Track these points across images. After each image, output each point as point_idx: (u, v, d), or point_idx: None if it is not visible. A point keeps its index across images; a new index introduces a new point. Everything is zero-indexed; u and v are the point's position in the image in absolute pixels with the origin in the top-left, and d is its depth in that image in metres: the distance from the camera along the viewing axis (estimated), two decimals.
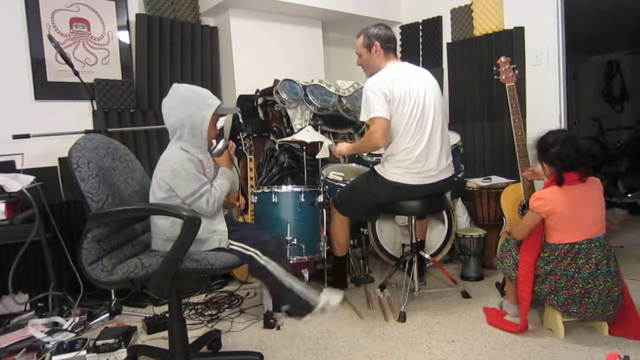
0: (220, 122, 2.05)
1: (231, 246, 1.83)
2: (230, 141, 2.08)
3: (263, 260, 1.81)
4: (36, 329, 2.20)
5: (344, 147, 2.68)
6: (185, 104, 1.81)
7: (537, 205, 2.05)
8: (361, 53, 2.55)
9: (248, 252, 1.82)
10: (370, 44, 2.49)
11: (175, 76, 3.31)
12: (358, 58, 2.60)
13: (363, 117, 2.41)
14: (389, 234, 3.32)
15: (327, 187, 2.89)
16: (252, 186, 3.01)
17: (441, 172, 2.43)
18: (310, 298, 1.90)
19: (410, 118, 2.33)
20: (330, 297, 1.97)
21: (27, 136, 2.62)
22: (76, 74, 2.69)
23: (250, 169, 3.08)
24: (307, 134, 3.11)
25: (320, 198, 2.76)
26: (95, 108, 3.01)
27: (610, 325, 2.05)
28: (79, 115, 2.99)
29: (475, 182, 3.17)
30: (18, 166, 2.64)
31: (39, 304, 2.47)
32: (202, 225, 1.76)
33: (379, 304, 2.56)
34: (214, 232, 1.82)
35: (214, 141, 1.96)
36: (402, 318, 2.34)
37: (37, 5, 2.82)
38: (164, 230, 1.77)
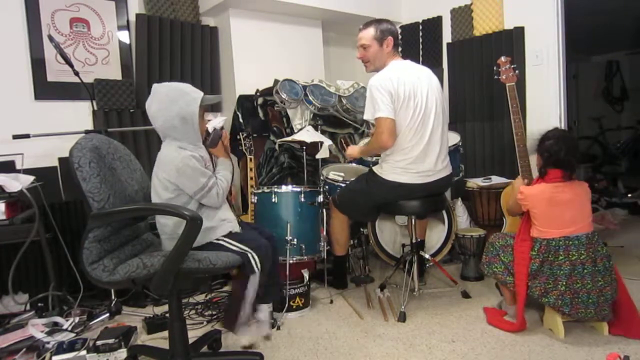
0: (220, 122, 2.05)
1: (232, 246, 1.84)
2: (223, 130, 2.06)
3: (256, 266, 1.83)
4: (36, 329, 2.20)
5: (354, 150, 2.64)
6: (171, 103, 1.81)
7: (519, 197, 2.17)
8: (370, 45, 2.45)
9: (246, 254, 1.83)
10: (383, 37, 2.43)
11: (175, 76, 3.31)
12: (362, 50, 2.49)
13: (367, 116, 2.37)
14: (389, 234, 3.32)
15: (327, 187, 2.89)
16: (252, 186, 3.01)
17: (438, 172, 2.43)
18: (240, 327, 2.01)
19: (412, 119, 2.32)
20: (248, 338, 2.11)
21: (27, 136, 2.62)
22: (76, 74, 2.69)
23: (250, 169, 3.08)
24: (307, 134, 3.11)
25: (320, 198, 2.76)
26: (95, 108, 3.01)
27: (611, 324, 2.06)
28: (79, 115, 2.99)
29: (475, 182, 3.17)
30: (18, 166, 2.64)
31: (39, 304, 2.46)
32: (212, 215, 1.85)
33: (379, 304, 2.57)
34: (225, 220, 1.88)
35: (205, 133, 1.98)
36: (402, 318, 2.34)
37: (37, 5, 2.82)
38: (170, 227, 1.79)
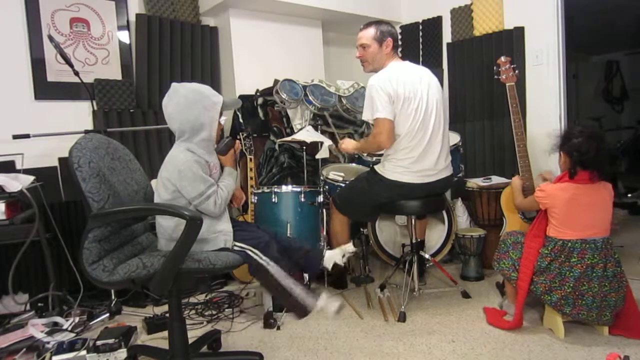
0: (222, 120, 2.04)
1: (234, 246, 1.83)
2: (237, 140, 2.05)
3: (263, 260, 1.81)
4: (36, 329, 2.20)
5: (350, 144, 2.62)
6: (190, 106, 1.77)
7: (538, 195, 2.12)
8: (370, 45, 2.45)
9: (250, 253, 1.82)
10: (383, 39, 2.44)
11: (175, 76, 3.31)
12: (362, 50, 2.50)
13: (366, 116, 2.37)
14: (389, 234, 3.32)
15: (327, 187, 2.89)
16: (252, 186, 3.01)
17: (440, 172, 2.43)
18: (308, 303, 1.88)
19: (414, 118, 2.32)
20: (328, 303, 1.93)
21: (27, 136, 2.62)
22: (76, 74, 2.70)
23: (250, 169, 3.08)
24: (307, 134, 3.11)
25: (320, 198, 2.76)
26: (95, 108, 3.01)
27: (611, 324, 2.05)
28: (79, 115, 2.99)
29: (475, 182, 3.17)
30: (18, 166, 2.64)
31: (39, 304, 2.47)
32: (207, 226, 1.77)
33: (379, 304, 2.57)
34: (220, 232, 1.82)
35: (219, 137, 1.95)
36: (402, 318, 2.34)
37: (37, 5, 2.82)
38: (168, 230, 1.77)
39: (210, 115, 1.80)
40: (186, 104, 1.78)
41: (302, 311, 1.88)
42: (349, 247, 2.34)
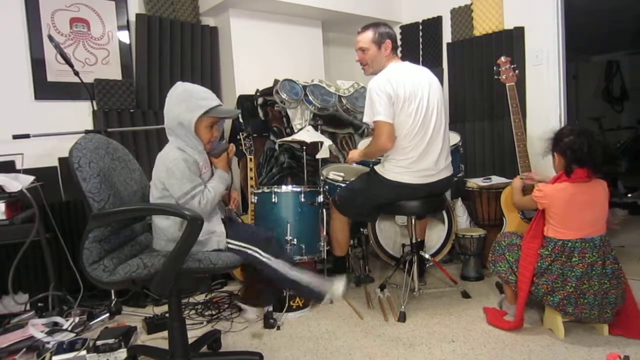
0: (219, 127, 2.02)
1: (231, 245, 1.82)
2: (231, 144, 2.03)
3: (265, 258, 1.81)
4: (36, 329, 2.20)
5: (355, 153, 2.64)
6: (177, 104, 1.78)
7: (536, 195, 2.11)
8: (369, 48, 2.46)
9: (249, 251, 1.82)
10: (381, 41, 2.44)
11: (175, 76, 3.31)
12: (361, 53, 2.51)
13: (366, 119, 2.38)
14: (389, 234, 3.32)
15: (327, 187, 2.89)
16: (252, 186, 3.01)
17: (440, 172, 2.43)
18: (317, 290, 1.89)
19: (415, 119, 2.32)
20: (337, 285, 1.95)
21: (27, 136, 2.62)
22: (76, 74, 2.70)
23: (250, 169, 3.08)
24: (307, 134, 3.11)
25: (320, 198, 2.76)
26: (95, 108, 3.01)
27: (611, 325, 2.05)
28: (79, 115, 2.99)
29: (475, 182, 3.17)
30: (18, 166, 2.64)
31: (39, 304, 2.46)
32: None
33: (379, 304, 2.57)
34: (213, 234, 1.81)
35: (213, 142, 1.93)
36: (402, 318, 2.34)
37: (37, 5, 2.82)
38: (168, 230, 1.76)
39: (189, 116, 1.76)
40: (175, 101, 1.79)
41: (317, 297, 1.90)
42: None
